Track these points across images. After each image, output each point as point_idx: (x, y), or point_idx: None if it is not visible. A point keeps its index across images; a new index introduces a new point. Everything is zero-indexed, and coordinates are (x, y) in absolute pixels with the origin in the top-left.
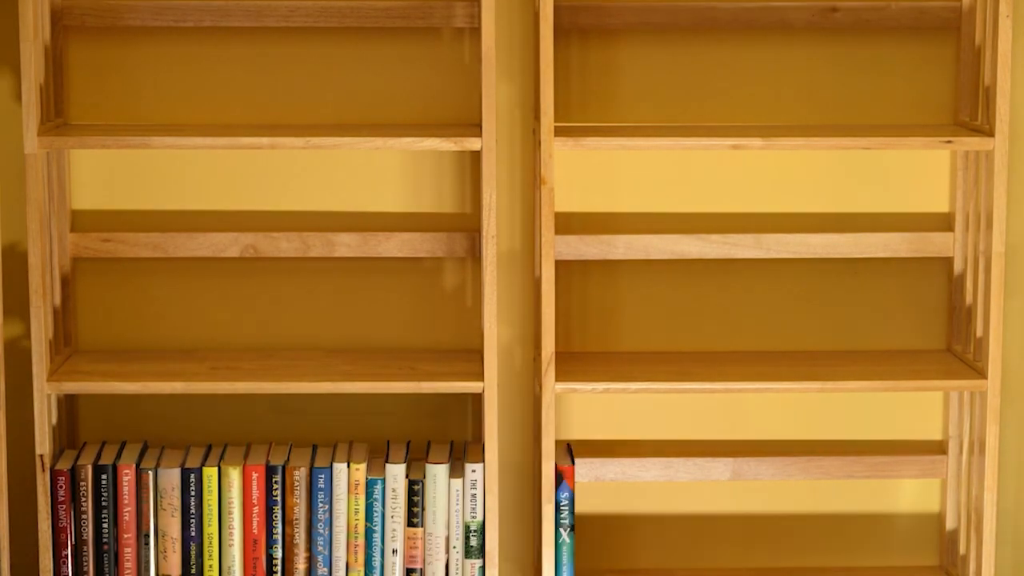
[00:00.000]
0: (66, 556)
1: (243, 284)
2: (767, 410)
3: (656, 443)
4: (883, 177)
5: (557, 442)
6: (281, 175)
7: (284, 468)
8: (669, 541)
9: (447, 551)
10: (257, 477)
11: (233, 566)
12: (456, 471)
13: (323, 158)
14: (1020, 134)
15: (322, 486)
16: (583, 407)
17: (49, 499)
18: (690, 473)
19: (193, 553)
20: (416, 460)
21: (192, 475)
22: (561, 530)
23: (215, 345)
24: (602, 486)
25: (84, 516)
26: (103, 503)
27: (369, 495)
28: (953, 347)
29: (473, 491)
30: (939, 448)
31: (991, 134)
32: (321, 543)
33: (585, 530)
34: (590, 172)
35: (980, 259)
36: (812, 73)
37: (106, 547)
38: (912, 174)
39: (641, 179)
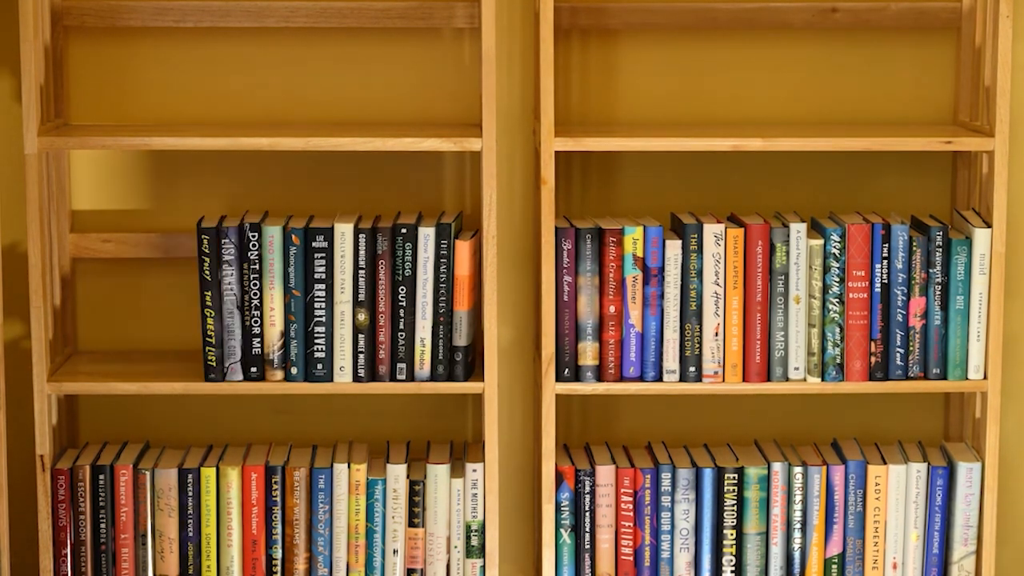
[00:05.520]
0: (65, 555)
1: None
2: (766, 406)
3: None
4: (883, 177)
5: (557, 442)
6: (281, 176)
7: (284, 468)
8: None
9: (448, 551)
10: (256, 477)
11: (231, 567)
12: (457, 471)
13: (322, 159)
14: (1020, 134)
15: (322, 486)
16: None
17: (49, 499)
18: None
19: (191, 553)
20: (416, 460)
21: (189, 475)
22: (561, 530)
23: None
24: None
25: (82, 516)
26: (100, 503)
27: (370, 495)
28: None
29: (474, 491)
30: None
31: (991, 134)
32: (321, 543)
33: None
34: (590, 172)
35: None
36: (812, 73)
37: (103, 547)
38: (912, 174)
39: (641, 179)
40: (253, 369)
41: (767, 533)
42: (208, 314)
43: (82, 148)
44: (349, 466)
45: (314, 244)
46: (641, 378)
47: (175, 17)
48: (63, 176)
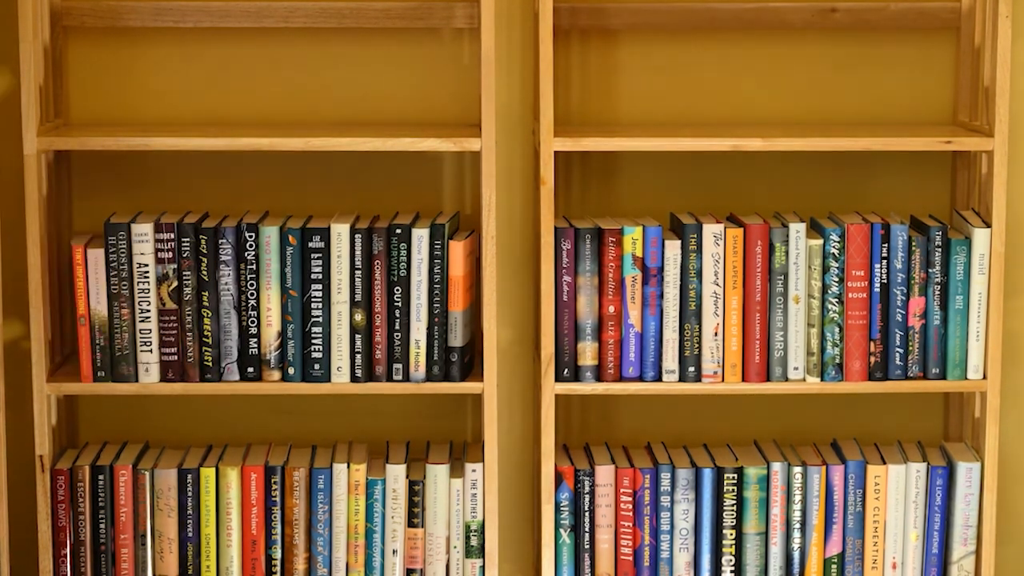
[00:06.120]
0: (65, 556)
1: None
2: (765, 407)
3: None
4: (882, 177)
5: (556, 442)
6: (280, 177)
7: (283, 468)
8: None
9: (448, 551)
10: (256, 478)
11: (231, 567)
12: (456, 471)
13: (322, 159)
14: (1020, 134)
15: (322, 487)
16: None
17: (49, 500)
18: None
19: (190, 554)
20: (416, 460)
21: (189, 475)
22: (561, 530)
23: None
24: None
25: (82, 517)
26: (100, 504)
27: (369, 495)
28: None
29: (473, 491)
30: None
31: (991, 134)
32: (321, 543)
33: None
34: (589, 172)
35: None
36: (811, 73)
37: (103, 548)
38: (911, 174)
39: (640, 179)
40: (250, 369)
41: (766, 533)
42: (205, 314)
43: (82, 148)
44: (349, 466)
45: (311, 244)
46: (640, 378)
47: (175, 17)
48: (63, 176)
